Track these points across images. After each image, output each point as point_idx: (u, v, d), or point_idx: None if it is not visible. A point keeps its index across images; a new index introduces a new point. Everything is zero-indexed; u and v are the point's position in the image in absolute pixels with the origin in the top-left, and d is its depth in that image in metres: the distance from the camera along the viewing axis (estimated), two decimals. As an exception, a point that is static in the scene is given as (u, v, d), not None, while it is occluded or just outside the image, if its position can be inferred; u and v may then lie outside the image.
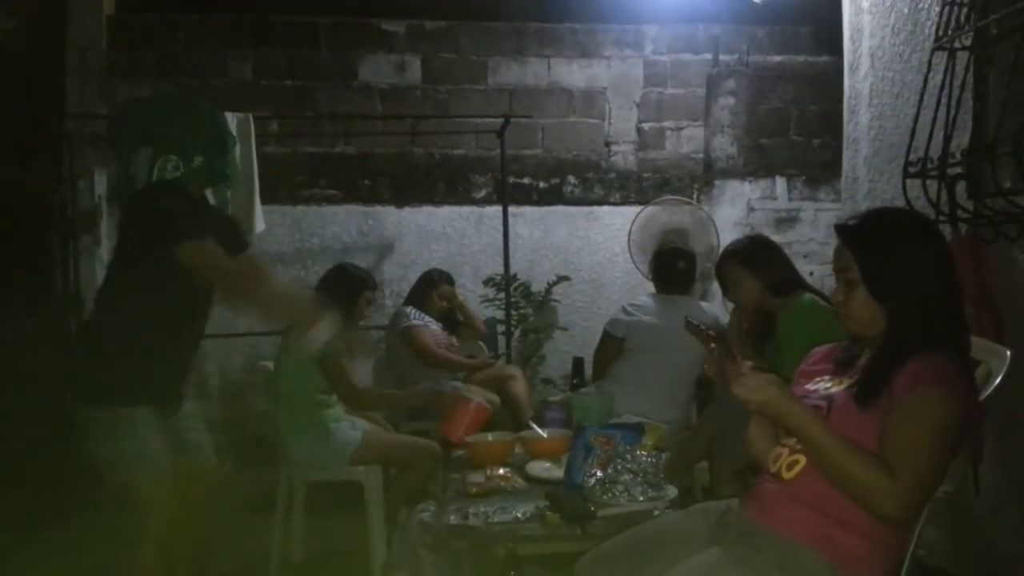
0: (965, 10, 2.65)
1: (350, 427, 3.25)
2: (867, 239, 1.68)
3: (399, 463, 3.33)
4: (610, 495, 2.21)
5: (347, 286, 3.41)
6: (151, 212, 2.36)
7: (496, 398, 3.99)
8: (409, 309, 4.18)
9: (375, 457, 3.23)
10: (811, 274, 4.64)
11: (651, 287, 3.82)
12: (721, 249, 3.78)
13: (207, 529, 2.64)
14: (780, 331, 2.87)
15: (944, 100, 2.67)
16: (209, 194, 2.82)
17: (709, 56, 5.25)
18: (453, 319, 4.46)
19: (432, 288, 4.28)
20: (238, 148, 4.11)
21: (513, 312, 4.81)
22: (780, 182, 5.17)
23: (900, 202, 2.79)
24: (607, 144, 5.38)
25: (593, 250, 5.23)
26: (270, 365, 3.65)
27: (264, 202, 4.30)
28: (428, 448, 3.27)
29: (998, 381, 1.80)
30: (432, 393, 3.23)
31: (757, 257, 2.96)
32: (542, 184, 5.23)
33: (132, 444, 2.33)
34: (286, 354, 3.23)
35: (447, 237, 5.15)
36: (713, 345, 1.77)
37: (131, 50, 5.02)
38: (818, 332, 2.30)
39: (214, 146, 2.50)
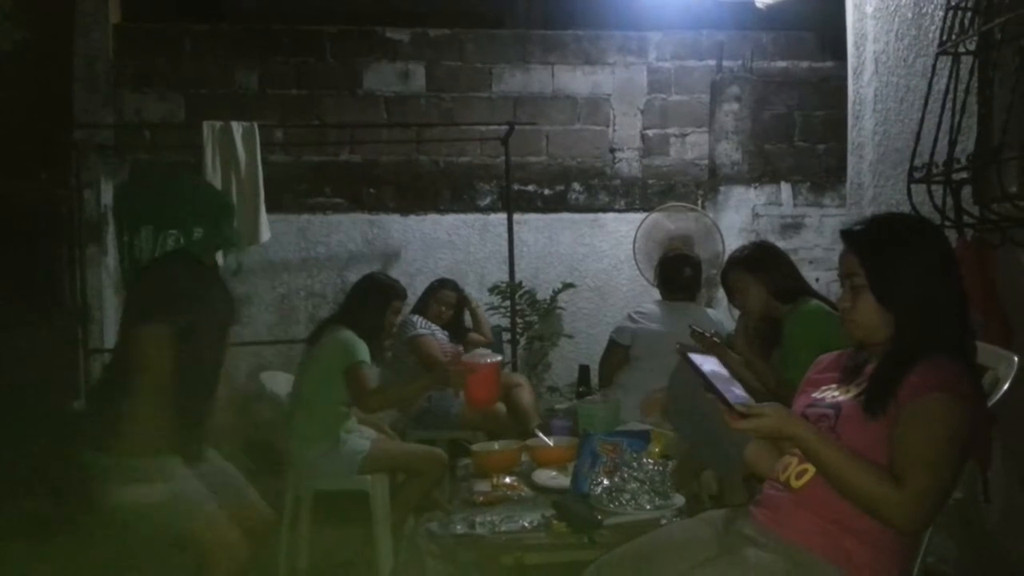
0: (969, 15, 2.64)
1: (359, 436, 3.26)
2: (873, 245, 1.68)
3: (407, 470, 3.33)
4: (617, 503, 2.20)
5: (376, 296, 3.39)
6: (145, 280, 2.45)
7: (502, 406, 3.98)
8: (416, 318, 4.18)
9: (384, 465, 3.23)
10: (817, 280, 4.62)
11: (657, 294, 3.82)
12: (726, 255, 3.78)
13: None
14: (786, 338, 2.86)
15: (949, 105, 2.67)
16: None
17: (713, 62, 5.26)
18: (459, 327, 4.45)
19: (431, 295, 4.30)
20: (244, 162, 4.14)
21: (519, 320, 4.81)
22: (785, 188, 5.17)
23: (905, 207, 2.78)
24: (611, 151, 5.39)
25: (598, 257, 5.23)
26: (275, 375, 3.66)
27: (269, 211, 4.31)
28: (435, 455, 3.27)
29: (1006, 387, 1.80)
30: (438, 372, 3.18)
31: (762, 263, 2.95)
32: (547, 191, 5.23)
33: (169, 488, 2.34)
34: (315, 362, 3.23)
35: (452, 245, 5.16)
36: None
37: (138, 59, 5.05)
38: (824, 339, 2.29)
39: (212, 216, 2.56)
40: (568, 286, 5.00)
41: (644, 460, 2.30)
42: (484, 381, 2.94)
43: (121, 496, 2.37)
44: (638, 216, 4.99)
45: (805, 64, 5.39)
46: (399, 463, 3.31)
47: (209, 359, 2.56)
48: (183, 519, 2.36)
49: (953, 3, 2.69)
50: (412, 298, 4.61)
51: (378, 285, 3.45)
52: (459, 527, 2.14)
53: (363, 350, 3.18)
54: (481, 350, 3.13)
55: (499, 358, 3.02)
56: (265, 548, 2.69)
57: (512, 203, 4.85)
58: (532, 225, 5.17)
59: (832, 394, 1.74)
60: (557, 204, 5.23)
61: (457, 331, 4.41)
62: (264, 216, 4.25)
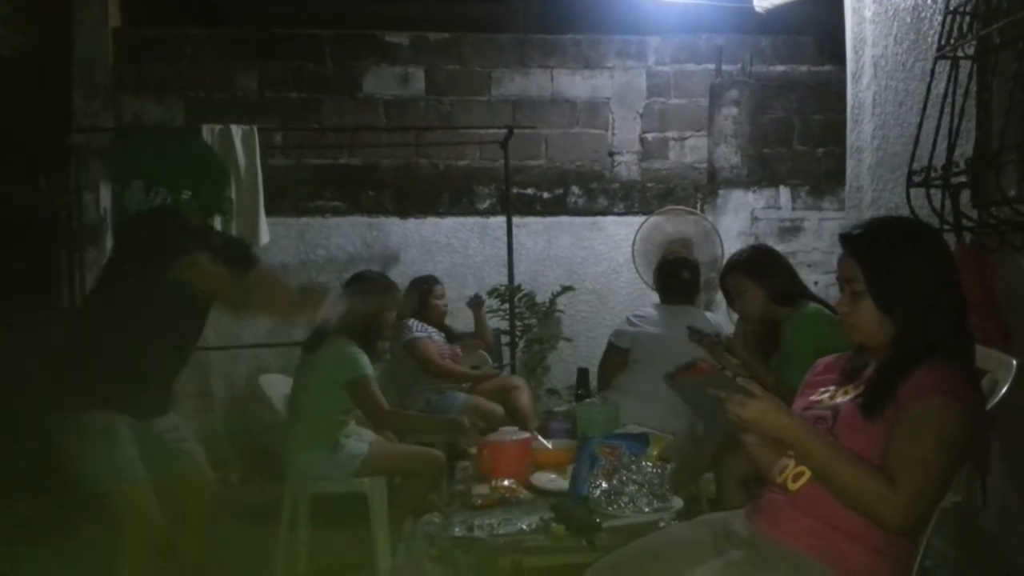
0: (967, 19, 2.65)
1: (358, 440, 3.25)
2: (873, 250, 1.67)
3: (404, 472, 3.33)
4: (615, 506, 2.20)
5: (372, 297, 3.32)
6: (141, 236, 2.47)
7: (501, 409, 3.99)
8: (411, 322, 4.17)
9: (382, 467, 3.23)
10: (815, 283, 4.63)
11: (655, 297, 3.82)
12: (725, 259, 3.78)
13: (204, 539, 2.68)
14: (785, 342, 2.87)
15: (947, 109, 2.67)
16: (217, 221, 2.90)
17: (712, 66, 5.27)
18: (452, 329, 4.44)
19: (428, 295, 4.27)
20: (243, 165, 4.14)
21: (517, 323, 4.81)
22: (784, 191, 5.17)
23: (904, 211, 2.79)
24: (611, 154, 5.39)
25: (597, 260, 5.23)
26: (273, 378, 3.65)
27: (269, 214, 4.31)
28: (433, 457, 3.27)
29: (1004, 390, 1.80)
30: (456, 425, 3.22)
31: (760, 267, 2.96)
32: (546, 194, 5.23)
33: (103, 449, 2.39)
34: (314, 372, 3.21)
35: (451, 248, 5.16)
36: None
37: (137, 63, 5.05)
38: (823, 342, 2.29)
39: (204, 181, 2.60)
40: (567, 289, 5.00)
41: (643, 463, 2.30)
42: (509, 459, 2.61)
43: (74, 454, 2.41)
44: (637, 219, 4.99)
45: (804, 68, 5.40)
46: (397, 465, 3.31)
47: (185, 320, 2.58)
48: (106, 481, 2.39)
49: (952, 8, 2.70)
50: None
51: (372, 285, 3.41)
52: (457, 529, 2.14)
53: (366, 362, 3.18)
54: (506, 428, 2.94)
55: (526, 436, 2.78)
56: (201, 515, 2.68)
57: (511, 206, 4.85)
58: (531, 228, 5.18)
59: (830, 396, 1.74)
60: (556, 207, 5.23)
61: (449, 331, 4.40)
62: (263, 219, 4.25)
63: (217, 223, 2.94)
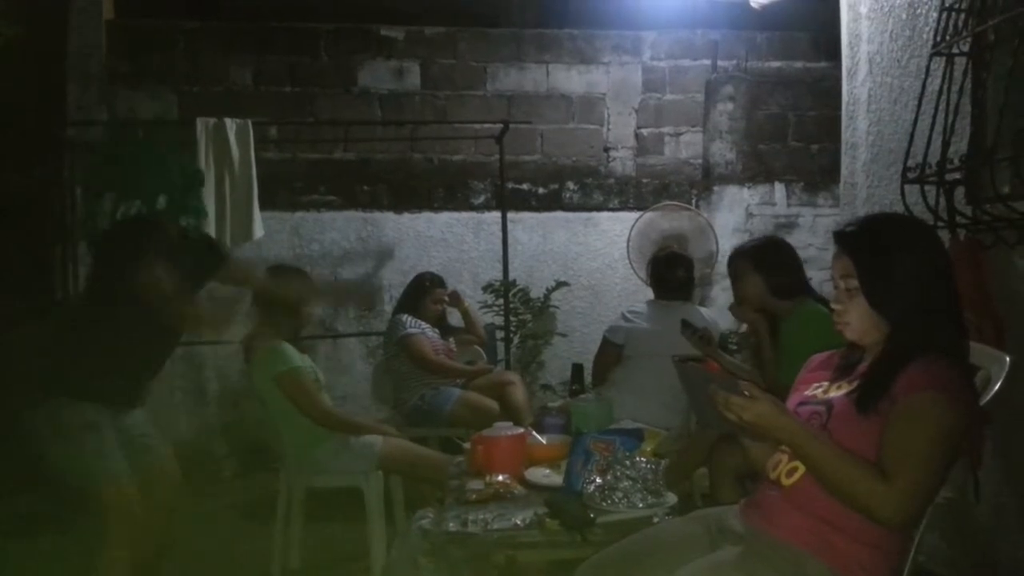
0: (963, 16, 2.65)
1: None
2: (867, 249, 1.67)
3: (421, 478, 3.26)
4: (609, 502, 2.20)
5: (290, 288, 3.13)
6: (103, 242, 2.50)
7: (495, 404, 3.98)
8: (405, 317, 4.16)
9: (399, 460, 3.19)
10: (810, 279, 4.62)
11: (650, 293, 3.83)
12: (719, 255, 3.79)
13: (170, 531, 2.71)
14: (785, 337, 2.86)
15: (942, 106, 2.67)
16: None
17: (708, 62, 5.27)
18: (447, 324, 4.44)
19: (425, 294, 4.26)
20: (237, 159, 4.12)
21: (512, 318, 4.81)
22: (779, 188, 5.18)
23: (898, 208, 2.79)
24: (606, 150, 5.39)
25: (592, 256, 5.23)
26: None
27: (263, 208, 4.30)
28: (445, 463, 3.19)
29: (998, 387, 1.80)
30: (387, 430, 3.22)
31: (763, 258, 2.97)
32: (541, 190, 5.23)
33: (90, 446, 2.42)
34: (256, 375, 3.12)
35: (446, 243, 5.15)
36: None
37: (131, 56, 5.03)
38: (824, 343, 2.28)
39: (179, 185, 2.60)
40: (562, 285, 5.00)
41: (637, 459, 2.30)
42: (503, 454, 2.58)
43: (55, 446, 2.47)
44: (632, 215, 5.00)
45: (799, 64, 5.41)
46: (413, 467, 3.24)
47: (163, 318, 2.58)
48: (93, 478, 2.42)
49: (947, 4, 2.70)
50: (396, 293, 4.62)
51: (291, 278, 3.19)
52: (451, 524, 2.14)
53: (292, 354, 3.07)
54: (500, 423, 2.87)
55: (520, 431, 2.75)
56: (166, 510, 2.69)
57: (506, 202, 4.84)
58: (526, 224, 5.17)
59: (824, 391, 1.74)
60: (551, 203, 5.23)
61: (444, 327, 4.39)
62: (257, 213, 4.24)
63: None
